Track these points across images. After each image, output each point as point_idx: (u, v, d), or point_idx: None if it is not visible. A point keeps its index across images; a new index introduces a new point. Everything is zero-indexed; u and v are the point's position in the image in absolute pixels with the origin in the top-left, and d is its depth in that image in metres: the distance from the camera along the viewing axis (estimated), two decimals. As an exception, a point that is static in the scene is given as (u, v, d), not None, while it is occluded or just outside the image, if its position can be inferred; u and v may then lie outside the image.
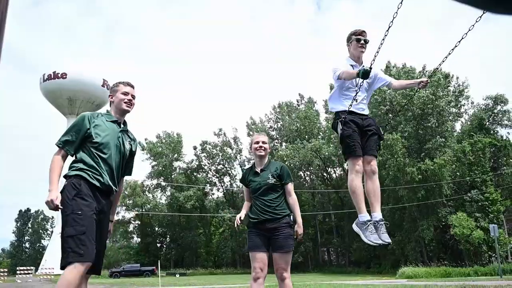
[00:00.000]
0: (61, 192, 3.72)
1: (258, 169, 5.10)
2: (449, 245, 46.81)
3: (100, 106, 74.49)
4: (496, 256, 32.82)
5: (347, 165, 5.01)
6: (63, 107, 72.56)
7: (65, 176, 3.86)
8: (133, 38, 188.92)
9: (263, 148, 5.12)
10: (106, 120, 4.10)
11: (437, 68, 4.83)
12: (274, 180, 4.96)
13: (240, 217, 4.99)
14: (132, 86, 4.32)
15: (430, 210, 44.20)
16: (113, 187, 4.00)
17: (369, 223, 4.63)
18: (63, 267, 3.47)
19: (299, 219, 5.07)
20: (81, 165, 3.82)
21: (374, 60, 4.05)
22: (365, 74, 4.30)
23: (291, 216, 5.02)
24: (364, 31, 4.96)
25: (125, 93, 4.23)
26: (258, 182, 5.00)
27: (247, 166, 5.51)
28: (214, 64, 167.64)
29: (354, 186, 4.75)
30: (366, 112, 5.06)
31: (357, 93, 4.73)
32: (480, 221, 41.07)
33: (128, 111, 4.26)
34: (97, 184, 3.82)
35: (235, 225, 4.96)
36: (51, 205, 3.63)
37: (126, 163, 4.26)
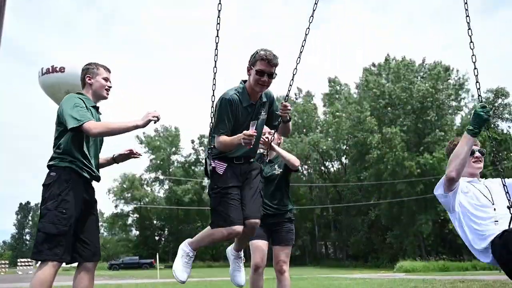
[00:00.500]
0: (50, 184, 3.53)
1: (266, 159, 4.89)
2: (447, 239, 46.80)
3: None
4: (494, 250, 32.74)
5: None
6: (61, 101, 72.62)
7: (53, 166, 3.63)
8: (131, 31, 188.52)
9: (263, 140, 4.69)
10: (89, 106, 3.81)
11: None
12: (281, 171, 4.79)
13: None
14: (110, 72, 4.03)
15: (428, 204, 44.11)
16: (99, 175, 3.87)
17: None
18: (35, 259, 3.45)
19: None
20: (69, 157, 3.61)
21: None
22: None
23: (293, 211, 4.91)
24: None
25: (106, 79, 3.95)
26: (265, 172, 4.68)
27: None
28: (213, 57, 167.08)
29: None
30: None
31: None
32: (479, 216, 41.02)
33: (106, 99, 4.02)
34: (87, 176, 3.69)
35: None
36: (156, 119, 3.66)
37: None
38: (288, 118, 4.08)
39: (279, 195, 4.75)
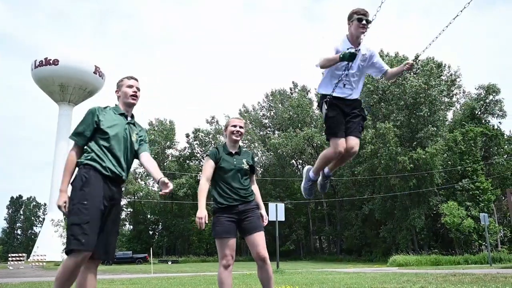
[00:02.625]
0: (73, 181, 3.88)
1: (232, 151, 4.93)
2: (440, 234, 47.11)
3: (92, 93, 74.20)
4: (486, 244, 33.05)
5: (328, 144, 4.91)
6: (55, 94, 72.30)
7: (77, 165, 4.00)
8: (126, 24, 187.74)
9: (240, 132, 4.96)
10: (114, 113, 4.26)
11: (423, 51, 4.68)
12: (247, 166, 4.88)
13: (205, 216, 4.63)
14: (136, 79, 4.49)
15: (421, 199, 44.41)
16: (122, 175, 4.11)
17: None
18: (67, 253, 3.61)
19: (263, 206, 4.97)
20: (91, 155, 3.97)
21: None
22: (351, 57, 4.26)
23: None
24: (367, 12, 4.79)
25: (130, 86, 4.38)
26: (232, 163, 4.82)
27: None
28: (208, 52, 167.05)
29: None
30: (355, 96, 4.94)
31: (341, 77, 4.73)
32: (471, 210, 41.34)
33: (134, 104, 4.41)
34: (106, 172, 3.95)
35: (199, 228, 4.62)
36: (61, 210, 3.81)
37: (136, 150, 4.36)
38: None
39: (245, 185, 4.81)
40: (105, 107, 4.28)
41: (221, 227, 4.65)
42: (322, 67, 4.67)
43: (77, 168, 3.98)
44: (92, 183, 3.81)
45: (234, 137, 4.93)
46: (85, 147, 4.05)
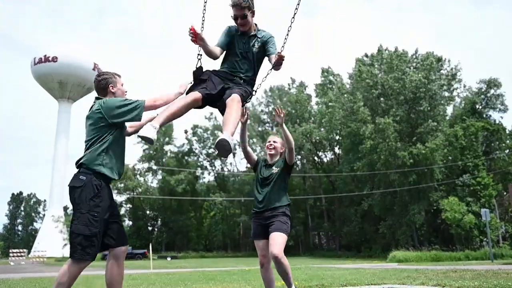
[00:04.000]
0: (82, 188, 3.82)
1: (270, 162, 5.39)
2: (440, 230, 47.05)
3: (91, 89, 74.39)
4: (487, 240, 32.96)
5: None
6: (54, 91, 72.77)
7: (87, 168, 3.90)
8: (124, 21, 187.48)
9: (273, 146, 5.40)
10: None
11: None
12: (279, 169, 5.23)
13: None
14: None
15: (421, 194, 44.26)
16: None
17: None
18: (72, 257, 3.74)
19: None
20: (106, 160, 3.95)
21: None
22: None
23: (288, 206, 5.23)
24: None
25: (122, 85, 4.36)
26: (266, 172, 5.28)
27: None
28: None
29: None
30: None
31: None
32: (472, 206, 41.20)
33: None
34: (116, 177, 4.04)
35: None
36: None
37: None
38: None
39: (276, 193, 5.13)
40: None
41: (253, 230, 5.24)
42: None
43: (85, 170, 3.91)
44: (103, 195, 3.86)
45: (268, 152, 5.44)
46: (101, 153, 3.93)
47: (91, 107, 4.10)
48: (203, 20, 4.31)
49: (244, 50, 4.52)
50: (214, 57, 4.45)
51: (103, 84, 4.23)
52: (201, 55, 4.35)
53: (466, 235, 41.31)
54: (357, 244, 54.85)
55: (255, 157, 5.49)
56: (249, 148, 5.42)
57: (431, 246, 41.04)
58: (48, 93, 74.41)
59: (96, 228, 3.74)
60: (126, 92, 4.36)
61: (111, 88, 4.22)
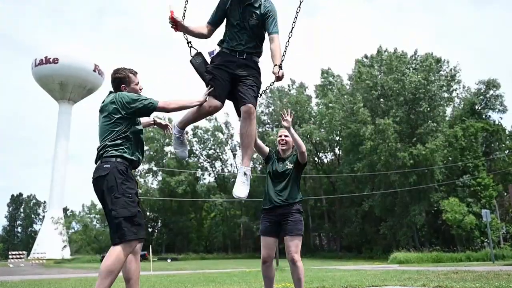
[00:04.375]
0: (109, 175, 3.87)
1: (283, 156, 5.30)
2: (441, 230, 46.99)
3: (91, 90, 74.48)
4: (488, 241, 32.89)
5: None
6: (55, 92, 72.88)
7: (107, 157, 3.96)
8: (124, 21, 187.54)
9: (284, 141, 5.29)
10: None
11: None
12: (293, 165, 5.15)
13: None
14: (137, 73, 4.47)
15: (422, 195, 44.23)
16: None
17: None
18: (115, 244, 3.73)
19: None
20: (125, 147, 4.04)
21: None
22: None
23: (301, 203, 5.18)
24: None
25: (137, 83, 4.39)
26: (280, 167, 5.18)
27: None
28: (206, 47, 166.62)
29: None
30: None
31: None
32: (472, 206, 41.16)
33: None
34: (137, 160, 4.22)
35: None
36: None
37: None
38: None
39: (289, 188, 5.04)
40: None
41: (261, 226, 5.13)
42: None
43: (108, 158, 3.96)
44: (130, 177, 3.99)
45: (281, 147, 5.32)
46: (118, 141, 4.01)
47: (104, 100, 4.16)
48: (185, 10, 4.25)
49: (241, 20, 4.19)
50: (205, 37, 4.33)
51: (117, 82, 4.29)
52: (190, 41, 4.26)
53: (467, 236, 41.25)
54: (358, 245, 54.80)
55: (267, 149, 5.41)
56: (259, 141, 5.30)
57: (432, 247, 41.00)
58: (48, 94, 74.44)
59: (135, 208, 3.85)
60: (141, 89, 4.41)
61: (123, 88, 4.26)
